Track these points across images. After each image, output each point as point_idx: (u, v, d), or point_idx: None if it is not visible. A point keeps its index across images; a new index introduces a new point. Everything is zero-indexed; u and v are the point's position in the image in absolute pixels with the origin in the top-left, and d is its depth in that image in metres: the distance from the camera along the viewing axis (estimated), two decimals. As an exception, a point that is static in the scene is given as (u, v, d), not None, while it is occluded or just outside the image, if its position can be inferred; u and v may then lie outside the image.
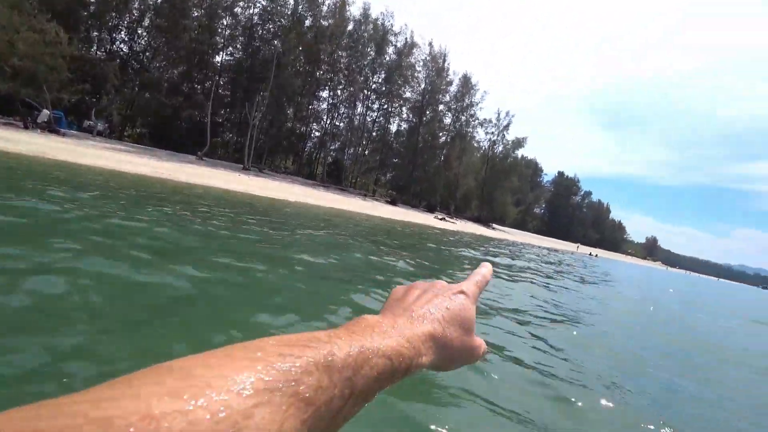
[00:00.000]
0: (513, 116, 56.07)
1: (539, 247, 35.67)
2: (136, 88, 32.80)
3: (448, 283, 0.42)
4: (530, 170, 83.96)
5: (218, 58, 36.93)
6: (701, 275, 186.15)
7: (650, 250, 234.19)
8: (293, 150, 41.42)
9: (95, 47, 32.66)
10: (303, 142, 42.20)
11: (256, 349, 0.23)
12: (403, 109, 46.79)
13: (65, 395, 0.17)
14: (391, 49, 43.34)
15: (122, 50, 33.40)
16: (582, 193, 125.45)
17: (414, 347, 0.31)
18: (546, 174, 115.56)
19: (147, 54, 34.10)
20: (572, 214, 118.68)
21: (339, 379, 0.24)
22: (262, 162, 37.12)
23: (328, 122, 42.50)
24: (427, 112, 46.88)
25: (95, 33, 32.37)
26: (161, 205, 7.74)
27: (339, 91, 41.92)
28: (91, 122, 29.94)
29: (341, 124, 43.47)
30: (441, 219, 37.74)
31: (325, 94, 41.82)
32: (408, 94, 45.99)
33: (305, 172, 41.15)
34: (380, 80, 44.28)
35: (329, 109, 42.15)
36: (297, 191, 24.76)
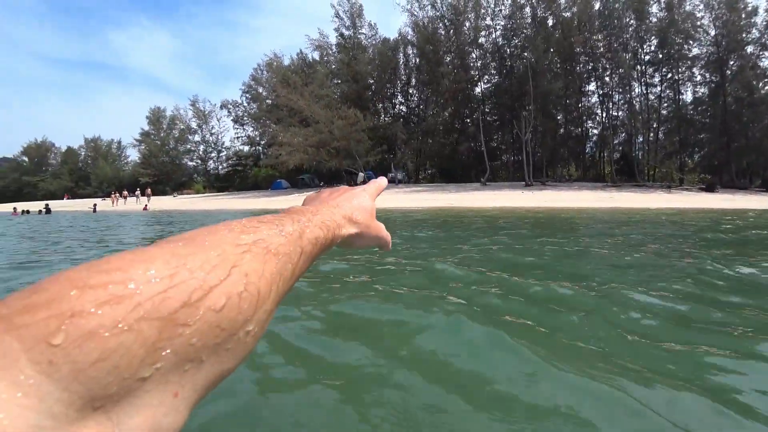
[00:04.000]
0: None
1: None
2: (420, 137, 40.40)
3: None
4: None
5: (478, 89, 42.36)
6: None
7: None
8: (573, 155, 41.84)
9: (382, 115, 42.68)
10: (581, 144, 42.26)
11: (230, 223, 0.35)
12: (695, 70, 42.01)
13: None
14: (655, 8, 40.95)
15: (402, 111, 42.76)
16: None
17: (336, 222, 0.47)
18: None
19: (420, 107, 42.27)
20: None
21: (291, 240, 0.37)
22: (543, 175, 38.60)
23: (604, 116, 41.69)
24: (731, 63, 40.65)
25: (380, 105, 42.62)
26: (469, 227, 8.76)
27: (607, 79, 41.24)
28: (392, 174, 37.91)
29: (620, 113, 41.90)
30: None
31: (592, 87, 41.81)
32: (696, 50, 41.39)
33: (591, 175, 40.41)
34: (653, 48, 41.72)
35: (601, 101, 41.55)
36: (585, 197, 24.37)
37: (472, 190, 31.06)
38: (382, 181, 0.65)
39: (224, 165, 61.88)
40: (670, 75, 42.05)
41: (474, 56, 42.22)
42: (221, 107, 57.40)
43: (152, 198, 38.86)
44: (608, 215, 13.75)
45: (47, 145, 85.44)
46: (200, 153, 63.39)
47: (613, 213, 14.97)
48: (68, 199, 56.63)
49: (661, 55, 41.30)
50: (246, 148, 57.27)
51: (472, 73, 41.66)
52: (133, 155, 71.94)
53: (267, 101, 47.58)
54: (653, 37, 41.19)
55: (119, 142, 78.74)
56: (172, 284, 0.24)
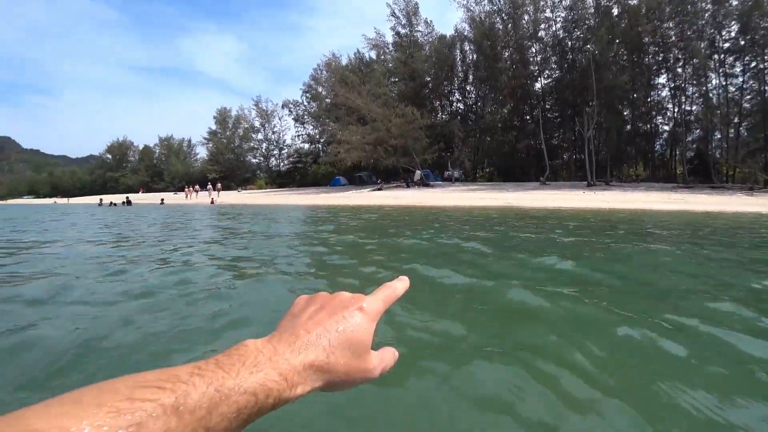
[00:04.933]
0: None
1: None
2: (477, 135, 40.06)
3: (352, 294, 0.45)
4: None
5: (538, 85, 41.19)
6: None
7: None
8: (641, 154, 39.73)
9: (439, 113, 42.77)
10: (650, 142, 39.98)
11: (108, 391, 0.26)
12: (783, 58, 38.39)
13: None
14: (735, -10, 37.76)
15: (459, 108, 42.67)
16: None
17: (286, 380, 0.34)
18: None
19: (478, 104, 41.85)
20: None
21: (191, 420, 0.27)
22: (607, 175, 36.92)
23: (676, 111, 39.16)
24: (827, 49, 36.75)
25: (437, 102, 42.68)
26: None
27: (679, 70, 38.68)
28: (449, 172, 37.82)
29: (694, 108, 39.17)
30: None
31: (662, 79, 39.40)
32: (785, 36, 37.75)
33: (661, 175, 38.13)
34: (733, 34, 38.55)
35: (673, 94, 39.05)
36: (652, 198, 22.96)
37: (531, 189, 30.35)
38: (401, 286, 0.49)
39: (285, 162, 64.84)
40: (754, 63, 38.66)
41: (533, 50, 41.06)
42: (282, 107, 60.36)
43: (220, 193, 41.20)
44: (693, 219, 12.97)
45: (127, 143, 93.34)
46: (263, 150, 66.65)
47: (684, 216, 14.14)
48: (143, 192, 61.54)
49: (743, 42, 38.12)
50: (306, 146, 59.82)
51: (532, 68, 40.53)
52: (202, 153, 76.58)
53: (326, 100, 48.97)
54: (733, 22, 38.09)
55: (189, 141, 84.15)
56: None
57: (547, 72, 41.30)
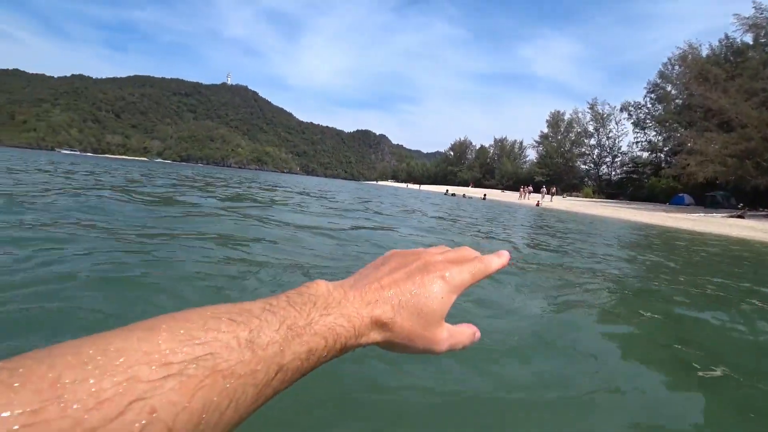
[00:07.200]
0: None
1: None
2: None
3: (446, 257, 0.43)
4: None
5: None
6: None
7: None
8: None
9: None
10: None
11: (183, 320, 0.26)
12: None
13: None
14: None
15: None
16: None
17: (354, 327, 0.34)
18: None
19: None
20: None
21: (264, 355, 0.27)
22: None
23: None
24: None
25: None
26: None
27: None
28: None
29: None
30: None
31: None
32: None
33: None
34: None
35: None
36: None
37: None
38: (498, 261, 0.45)
39: (617, 171, 59.94)
40: None
41: None
42: (621, 110, 55.91)
43: (545, 197, 41.19)
44: None
45: (467, 143, 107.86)
46: (593, 157, 63.72)
47: None
48: (473, 186, 69.95)
49: None
50: (644, 155, 53.50)
51: None
52: (531, 155, 79.54)
53: (676, 101, 42.35)
54: None
55: (521, 143, 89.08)
56: (31, 423, 0.19)
57: None
